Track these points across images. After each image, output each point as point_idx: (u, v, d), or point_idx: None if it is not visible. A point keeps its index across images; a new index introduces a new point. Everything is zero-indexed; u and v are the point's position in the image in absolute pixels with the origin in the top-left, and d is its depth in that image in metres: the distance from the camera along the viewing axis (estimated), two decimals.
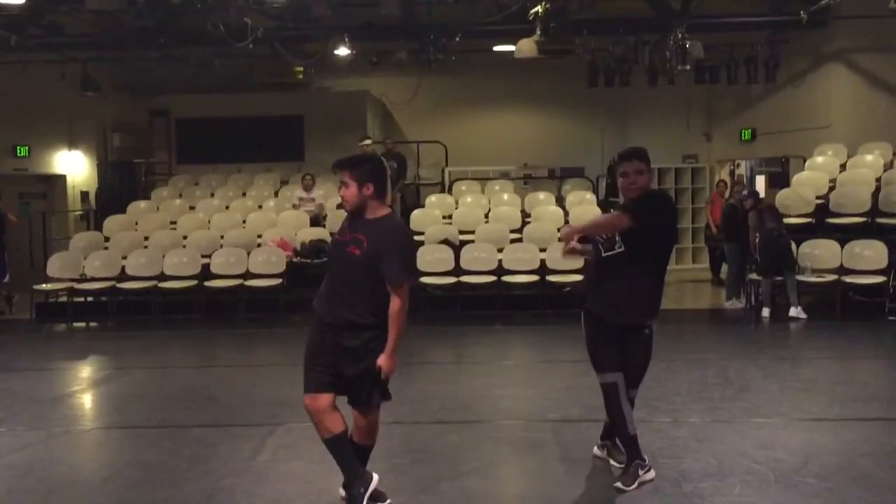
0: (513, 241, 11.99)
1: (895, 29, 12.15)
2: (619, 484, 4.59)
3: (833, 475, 4.75)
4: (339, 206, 4.23)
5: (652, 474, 4.64)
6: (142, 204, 14.16)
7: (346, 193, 4.25)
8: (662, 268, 4.74)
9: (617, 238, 4.59)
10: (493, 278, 11.26)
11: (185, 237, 12.58)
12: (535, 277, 11.12)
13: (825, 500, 4.42)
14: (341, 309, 4.15)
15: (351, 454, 4.24)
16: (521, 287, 11.31)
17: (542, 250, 11.35)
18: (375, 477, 4.29)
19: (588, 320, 4.76)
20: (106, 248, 12.38)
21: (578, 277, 11.06)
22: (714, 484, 4.68)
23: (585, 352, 9.30)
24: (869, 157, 12.46)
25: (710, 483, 4.69)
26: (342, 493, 4.42)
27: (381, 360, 4.08)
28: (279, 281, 11.41)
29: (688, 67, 13.33)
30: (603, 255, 4.66)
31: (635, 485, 4.56)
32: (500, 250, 11.62)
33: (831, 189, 11.88)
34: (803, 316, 9.93)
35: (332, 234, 4.18)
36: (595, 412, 6.24)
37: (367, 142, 12.37)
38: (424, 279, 11.38)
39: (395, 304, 4.08)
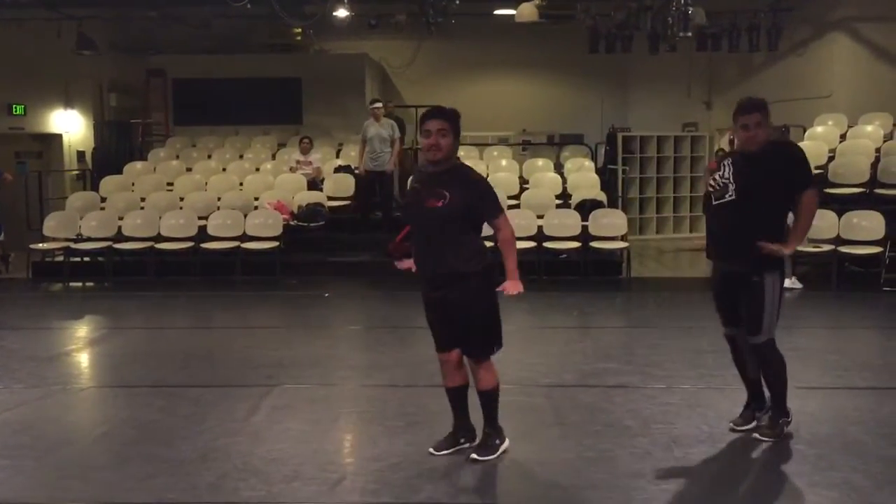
0: (510, 207, 11.94)
1: None
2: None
3: (823, 442, 4.79)
4: (430, 153, 4.21)
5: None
6: (138, 165, 14.10)
7: (444, 142, 4.28)
8: (776, 214, 4.65)
9: (731, 185, 4.60)
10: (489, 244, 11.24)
11: (181, 199, 12.55)
12: (531, 244, 11.11)
13: (814, 466, 4.46)
14: (440, 262, 4.36)
15: (460, 408, 4.62)
16: (517, 253, 11.29)
17: (540, 217, 11.33)
18: (507, 442, 4.63)
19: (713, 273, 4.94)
20: (102, 209, 12.35)
21: (575, 244, 11.09)
22: (705, 449, 4.72)
23: (579, 318, 9.35)
24: (869, 128, 12.41)
25: (700, 448, 4.73)
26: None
27: (506, 285, 4.37)
28: (276, 244, 11.40)
29: (689, 34, 13.24)
30: (714, 202, 4.70)
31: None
32: None
33: (831, 159, 11.84)
34: (798, 286, 9.96)
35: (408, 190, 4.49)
36: (588, 377, 6.31)
37: (378, 104, 12.23)
38: None
39: (503, 233, 4.43)
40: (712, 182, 4.70)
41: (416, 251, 4.53)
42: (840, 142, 12.35)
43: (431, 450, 4.58)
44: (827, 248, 10.23)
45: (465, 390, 4.61)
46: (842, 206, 10.65)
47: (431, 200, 4.31)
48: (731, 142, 17.47)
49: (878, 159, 11.48)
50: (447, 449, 4.59)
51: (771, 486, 4.35)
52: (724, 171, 4.69)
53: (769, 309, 4.64)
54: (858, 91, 13.43)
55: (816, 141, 12.46)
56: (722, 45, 14.83)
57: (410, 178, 4.79)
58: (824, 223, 10.38)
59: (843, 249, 10.22)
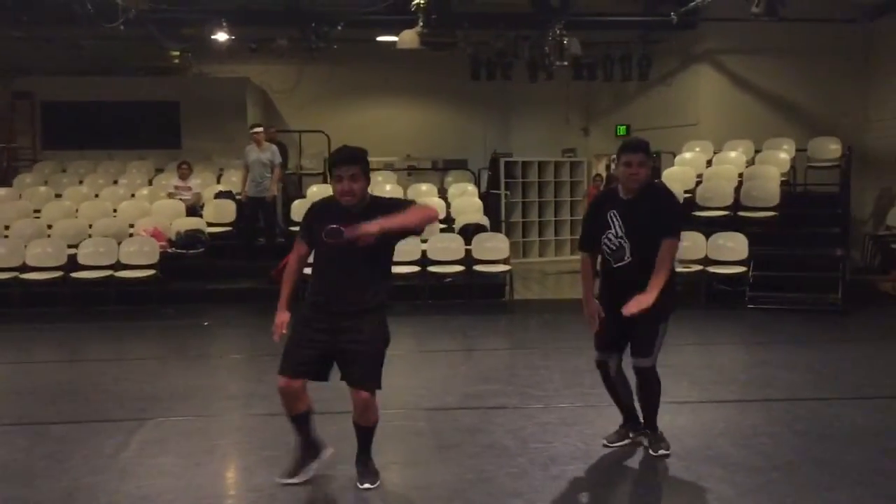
0: None
1: (758, 32, 12.86)
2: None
3: (691, 454, 4.98)
4: (344, 198, 4.13)
5: None
6: (2, 191, 13.35)
7: (356, 187, 4.24)
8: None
9: (627, 250, 4.70)
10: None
11: (49, 226, 11.96)
12: (415, 268, 11.15)
13: (683, 478, 4.64)
14: (353, 296, 4.29)
15: (309, 431, 4.52)
16: (401, 277, 11.27)
17: (424, 241, 11.38)
18: (329, 451, 4.61)
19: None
20: None
21: (459, 268, 11.19)
22: (580, 466, 4.84)
23: (463, 341, 9.41)
24: (732, 154, 13.11)
25: (576, 465, 4.84)
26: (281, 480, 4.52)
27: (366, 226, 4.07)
28: (152, 272, 11.01)
29: (565, 63, 13.72)
30: (613, 266, 4.78)
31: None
32: None
33: (698, 184, 12.42)
34: None
35: (312, 223, 4.45)
36: (469, 400, 6.36)
37: (259, 129, 12.07)
38: None
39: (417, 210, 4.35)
40: (607, 243, 4.80)
41: (321, 284, 4.37)
42: (707, 167, 12.99)
43: (277, 478, 4.49)
44: (695, 268, 10.71)
45: (310, 414, 4.51)
46: (708, 228, 11.18)
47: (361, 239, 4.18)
48: (608, 167, 18.13)
49: (741, 184, 12.13)
50: (295, 476, 4.49)
51: (642, 500, 4.48)
52: (614, 226, 4.78)
53: (661, 335, 4.79)
54: (722, 119, 14.22)
55: (685, 167, 13.06)
56: (597, 74, 15.43)
57: (316, 207, 4.53)
58: (693, 244, 10.88)
59: (711, 269, 10.73)
